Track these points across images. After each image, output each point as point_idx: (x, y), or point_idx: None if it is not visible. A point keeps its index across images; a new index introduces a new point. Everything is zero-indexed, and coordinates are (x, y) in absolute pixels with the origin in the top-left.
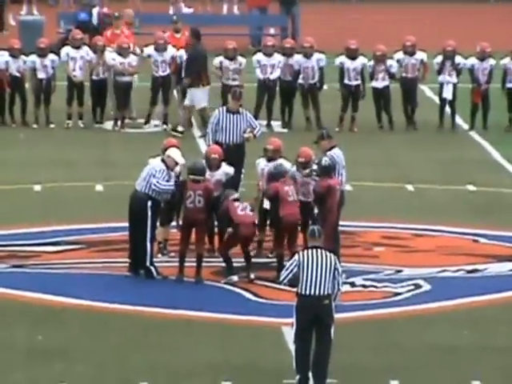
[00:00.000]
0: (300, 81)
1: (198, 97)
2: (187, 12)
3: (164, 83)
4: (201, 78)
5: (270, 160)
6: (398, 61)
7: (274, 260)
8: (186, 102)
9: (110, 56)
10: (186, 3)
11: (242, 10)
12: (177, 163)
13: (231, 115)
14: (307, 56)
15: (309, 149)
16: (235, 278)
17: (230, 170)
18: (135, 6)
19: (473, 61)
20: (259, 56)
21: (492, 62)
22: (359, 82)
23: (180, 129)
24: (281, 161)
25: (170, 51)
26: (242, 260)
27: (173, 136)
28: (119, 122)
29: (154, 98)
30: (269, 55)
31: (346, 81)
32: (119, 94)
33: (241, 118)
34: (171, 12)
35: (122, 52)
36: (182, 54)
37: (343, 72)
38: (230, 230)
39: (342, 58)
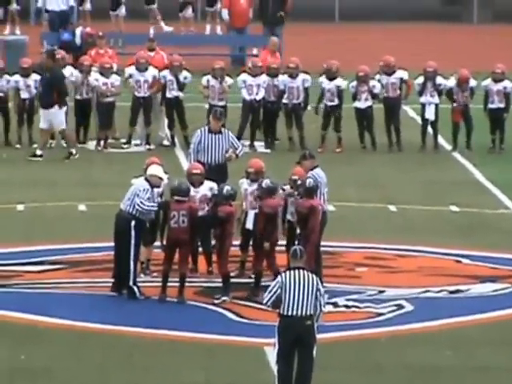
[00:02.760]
0: (284, 100)
1: (57, 119)
2: (167, 30)
3: (145, 104)
4: (57, 100)
5: (252, 181)
6: (379, 81)
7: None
8: (42, 125)
9: (93, 76)
10: (166, 22)
11: (224, 31)
12: (161, 179)
13: (213, 135)
14: (293, 76)
15: (301, 168)
16: (228, 299)
17: (214, 185)
18: (118, 25)
19: (452, 82)
20: (244, 76)
21: (473, 83)
22: (335, 102)
23: (38, 152)
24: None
25: (152, 71)
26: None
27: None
28: (102, 142)
29: (133, 119)
30: (254, 75)
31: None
32: (102, 114)
33: (223, 138)
34: (151, 32)
35: (104, 72)
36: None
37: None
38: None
39: (322, 78)
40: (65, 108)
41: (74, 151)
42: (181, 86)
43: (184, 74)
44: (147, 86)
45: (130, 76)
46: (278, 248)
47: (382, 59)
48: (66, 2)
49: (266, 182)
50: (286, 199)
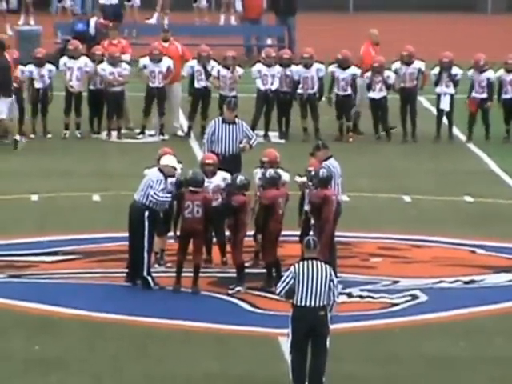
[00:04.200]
0: (299, 91)
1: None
2: (151, 22)
3: (159, 94)
4: (2, 89)
5: None
6: (396, 71)
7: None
8: None
9: (100, 66)
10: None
11: (238, 21)
12: (175, 169)
13: (227, 125)
14: (307, 66)
15: (315, 159)
16: (242, 289)
17: (227, 175)
18: (132, 16)
19: (470, 72)
20: (259, 66)
21: (490, 74)
22: (348, 92)
23: (17, 138)
24: (279, 171)
25: (166, 62)
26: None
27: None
28: (113, 133)
29: (147, 109)
30: (269, 66)
31: (336, 90)
32: (111, 103)
33: (237, 129)
34: (166, 23)
35: (113, 61)
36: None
37: (333, 81)
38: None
39: (333, 68)
40: (8, 99)
41: (18, 138)
42: (209, 76)
43: (212, 64)
44: (161, 77)
45: (145, 67)
46: (292, 238)
47: (404, 49)
48: None
49: (269, 172)
50: (303, 190)
